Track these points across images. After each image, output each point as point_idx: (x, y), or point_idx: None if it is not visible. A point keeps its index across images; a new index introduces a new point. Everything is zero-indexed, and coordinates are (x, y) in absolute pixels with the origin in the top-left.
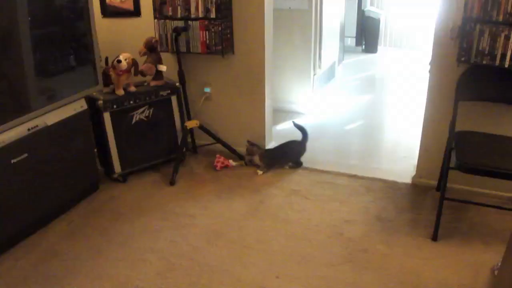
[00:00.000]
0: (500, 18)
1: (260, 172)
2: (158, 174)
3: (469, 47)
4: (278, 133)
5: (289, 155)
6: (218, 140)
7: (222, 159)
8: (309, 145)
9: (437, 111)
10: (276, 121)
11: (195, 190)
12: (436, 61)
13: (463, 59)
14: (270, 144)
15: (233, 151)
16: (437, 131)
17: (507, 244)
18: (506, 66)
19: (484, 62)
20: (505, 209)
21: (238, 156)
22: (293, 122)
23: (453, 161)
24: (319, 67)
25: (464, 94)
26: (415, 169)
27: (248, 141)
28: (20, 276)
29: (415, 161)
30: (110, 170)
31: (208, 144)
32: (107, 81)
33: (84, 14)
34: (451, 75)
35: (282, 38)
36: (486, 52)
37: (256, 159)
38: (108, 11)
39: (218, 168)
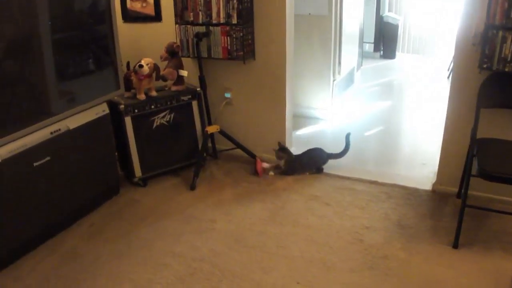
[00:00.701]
0: None
1: (271, 173)
2: (179, 179)
3: (492, 53)
4: (298, 138)
5: (314, 162)
6: (238, 145)
7: (262, 164)
8: (329, 150)
9: (459, 117)
10: (296, 127)
11: (215, 195)
12: (458, 67)
13: (485, 65)
14: (291, 150)
15: (252, 155)
16: (458, 137)
17: None
18: None
19: (507, 69)
20: None
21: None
22: (347, 134)
23: (474, 168)
24: (339, 72)
25: (486, 101)
26: (436, 175)
27: (279, 144)
28: (41, 278)
29: (435, 168)
30: (131, 174)
31: (229, 149)
32: (128, 85)
33: (105, 18)
34: (473, 82)
35: (302, 44)
36: (509, 59)
37: (282, 163)
38: (129, 16)
39: (260, 174)
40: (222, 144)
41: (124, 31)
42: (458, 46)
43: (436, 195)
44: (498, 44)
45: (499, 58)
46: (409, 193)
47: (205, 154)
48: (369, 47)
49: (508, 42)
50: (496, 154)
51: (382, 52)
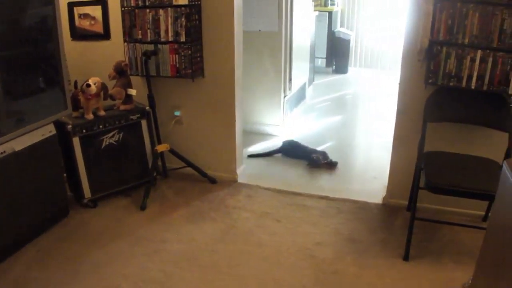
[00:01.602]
0: (466, 40)
1: None
2: (129, 199)
3: (436, 69)
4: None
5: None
6: (189, 163)
7: None
8: (279, 168)
9: (406, 131)
10: (247, 143)
11: (166, 215)
12: (404, 82)
13: (430, 81)
14: (241, 168)
15: (204, 174)
16: (406, 151)
17: (477, 261)
18: (473, 87)
19: (451, 83)
20: (475, 227)
21: (209, 180)
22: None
23: (423, 181)
24: (290, 89)
25: (432, 115)
26: (386, 189)
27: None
28: None
29: (385, 181)
30: (80, 195)
31: (179, 168)
32: (76, 105)
33: (52, 35)
34: (419, 96)
35: (253, 60)
36: (453, 74)
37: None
38: (78, 34)
39: None
40: (173, 162)
41: (72, 49)
42: (404, 62)
43: (387, 209)
44: (442, 59)
45: (444, 73)
46: (360, 207)
47: (155, 174)
48: (321, 62)
49: (452, 57)
50: (442, 167)
51: (334, 67)
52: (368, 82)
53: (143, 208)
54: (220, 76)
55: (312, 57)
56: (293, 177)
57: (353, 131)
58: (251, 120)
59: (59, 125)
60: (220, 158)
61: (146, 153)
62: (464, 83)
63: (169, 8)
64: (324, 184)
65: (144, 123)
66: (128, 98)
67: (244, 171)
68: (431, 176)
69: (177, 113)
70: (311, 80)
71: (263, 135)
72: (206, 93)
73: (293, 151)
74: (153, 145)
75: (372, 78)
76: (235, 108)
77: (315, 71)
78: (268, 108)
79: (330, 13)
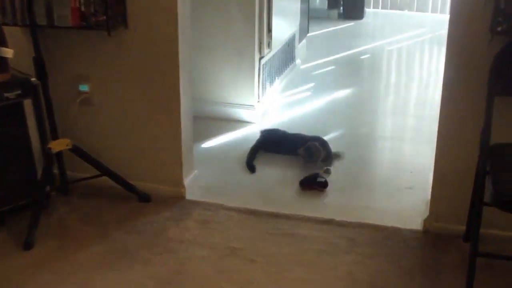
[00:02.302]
0: None
1: None
2: (4, 231)
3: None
4: (206, 153)
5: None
6: (104, 170)
7: None
8: (254, 176)
9: (459, 113)
10: (202, 136)
11: (67, 256)
12: (456, 31)
13: (499, 28)
14: (191, 176)
15: (129, 187)
16: (460, 145)
17: None
18: None
19: None
20: None
21: (140, 196)
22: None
23: (488, 193)
24: (269, 46)
25: (503, 85)
26: (428, 206)
27: None
28: None
29: (427, 194)
30: None
31: (88, 178)
32: None
33: None
34: (481, 55)
35: (209, 5)
36: None
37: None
38: None
39: None
40: (79, 169)
41: None
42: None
43: (430, 238)
44: None
45: None
46: (386, 237)
47: (48, 188)
48: (320, 3)
49: None
50: None
51: (341, 9)
52: (396, 33)
53: (28, 246)
54: (153, 27)
55: None
56: (277, 187)
57: (373, 114)
58: (209, 98)
59: None
60: (156, 161)
61: (33, 154)
62: None
63: None
64: (327, 199)
65: (28, 104)
66: (1, 63)
67: (197, 181)
68: (502, 183)
69: (83, 88)
70: (303, 31)
71: (228, 122)
72: (130, 55)
73: (277, 144)
74: (44, 140)
75: (403, 25)
76: (180, 79)
77: (310, 15)
78: (235, 78)
79: None
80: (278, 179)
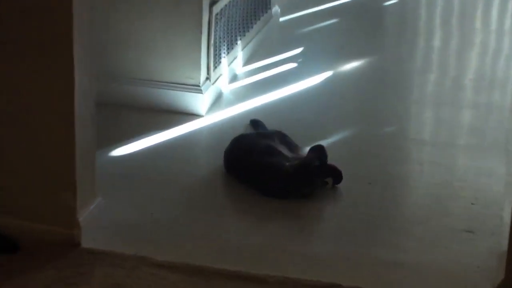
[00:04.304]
0: None
1: None
2: None
3: None
4: (121, 167)
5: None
6: None
7: None
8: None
9: None
10: (111, 138)
11: None
12: None
13: None
14: (90, 207)
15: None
16: None
17: None
18: None
19: None
20: None
21: (3, 244)
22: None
23: None
24: None
25: None
26: (503, 265)
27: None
28: None
29: (499, 242)
30: None
31: None
32: None
33: None
34: None
35: None
36: None
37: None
38: None
39: None
40: None
41: None
42: None
43: None
44: None
45: None
46: None
47: None
48: None
49: None
50: None
51: None
52: None
53: None
54: None
55: None
56: (241, 225)
57: (401, 102)
58: (125, 74)
59: None
60: (30, 183)
61: None
62: None
63: None
64: (326, 247)
65: None
66: None
67: (101, 217)
68: None
69: None
70: None
71: (157, 115)
72: None
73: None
74: None
75: None
76: (74, 46)
77: None
78: (169, 39)
79: None
80: (245, 204)
